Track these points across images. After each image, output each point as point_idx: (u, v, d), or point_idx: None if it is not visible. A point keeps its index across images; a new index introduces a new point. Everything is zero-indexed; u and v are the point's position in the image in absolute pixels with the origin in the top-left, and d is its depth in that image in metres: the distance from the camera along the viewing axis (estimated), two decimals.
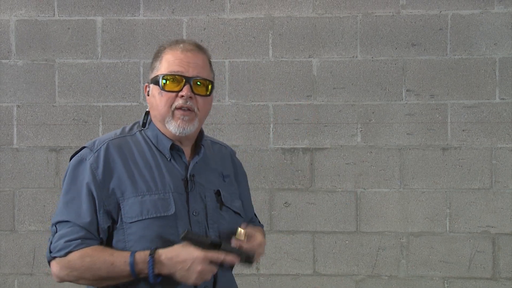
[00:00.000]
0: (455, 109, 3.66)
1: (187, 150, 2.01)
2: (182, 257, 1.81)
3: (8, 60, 3.79)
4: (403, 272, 3.67)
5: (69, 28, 3.78)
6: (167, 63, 1.96)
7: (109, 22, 3.77)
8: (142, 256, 1.82)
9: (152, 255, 1.80)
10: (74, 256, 1.84)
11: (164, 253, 1.82)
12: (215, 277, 1.95)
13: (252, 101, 3.73)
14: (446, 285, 3.66)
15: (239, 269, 3.43)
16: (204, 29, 3.74)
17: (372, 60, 3.69)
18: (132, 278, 1.83)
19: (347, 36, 3.70)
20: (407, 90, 3.68)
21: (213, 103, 3.87)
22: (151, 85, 1.99)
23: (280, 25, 3.72)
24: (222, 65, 3.73)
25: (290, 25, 3.72)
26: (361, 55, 3.70)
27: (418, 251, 3.67)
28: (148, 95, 2.01)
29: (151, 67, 2.02)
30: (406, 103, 3.68)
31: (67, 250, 1.85)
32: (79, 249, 1.84)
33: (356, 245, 3.69)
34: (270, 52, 3.73)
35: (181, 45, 1.98)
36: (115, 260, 1.82)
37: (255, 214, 2.28)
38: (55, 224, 1.90)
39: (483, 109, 3.65)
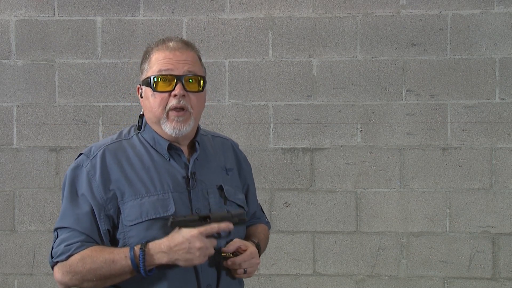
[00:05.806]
0: (455, 109, 3.66)
1: (185, 148, 2.01)
2: (177, 240, 1.80)
3: (8, 60, 3.79)
4: (403, 272, 3.67)
5: (69, 28, 3.77)
6: (157, 63, 1.94)
7: (109, 22, 3.77)
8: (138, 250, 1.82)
9: (142, 249, 1.79)
10: (75, 259, 1.84)
11: (160, 243, 1.81)
12: (218, 277, 1.94)
13: (252, 101, 3.73)
14: (446, 285, 3.66)
15: None
16: (204, 29, 3.74)
17: (372, 60, 3.69)
18: (135, 274, 1.82)
19: (347, 36, 3.70)
20: (407, 90, 3.68)
21: (213, 103, 3.82)
22: (143, 87, 1.98)
23: (280, 25, 3.72)
24: (222, 65, 3.73)
25: (290, 25, 3.72)
26: (361, 55, 3.70)
27: (418, 251, 3.67)
28: (142, 97, 2.00)
29: (140, 68, 2.01)
30: (406, 103, 3.68)
31: (67, 254, 1.85)
32: (79, 251, 1.84)
33: (356, 245, 3.69)
34: (270, 52, 3.73)
35: (169, 44, 1.97)
36: (115, 257, 1.81)
37: (262, 210, 2.27)
38: (56, 229, 1.91)
39: (483, 109, 3.65)
